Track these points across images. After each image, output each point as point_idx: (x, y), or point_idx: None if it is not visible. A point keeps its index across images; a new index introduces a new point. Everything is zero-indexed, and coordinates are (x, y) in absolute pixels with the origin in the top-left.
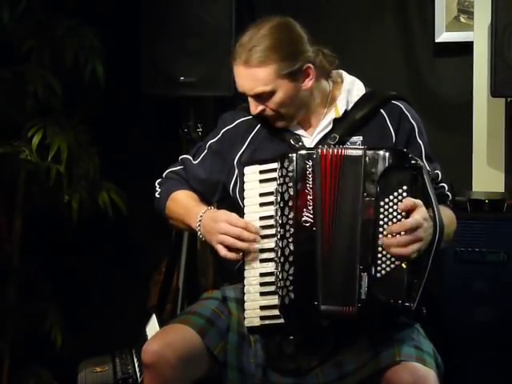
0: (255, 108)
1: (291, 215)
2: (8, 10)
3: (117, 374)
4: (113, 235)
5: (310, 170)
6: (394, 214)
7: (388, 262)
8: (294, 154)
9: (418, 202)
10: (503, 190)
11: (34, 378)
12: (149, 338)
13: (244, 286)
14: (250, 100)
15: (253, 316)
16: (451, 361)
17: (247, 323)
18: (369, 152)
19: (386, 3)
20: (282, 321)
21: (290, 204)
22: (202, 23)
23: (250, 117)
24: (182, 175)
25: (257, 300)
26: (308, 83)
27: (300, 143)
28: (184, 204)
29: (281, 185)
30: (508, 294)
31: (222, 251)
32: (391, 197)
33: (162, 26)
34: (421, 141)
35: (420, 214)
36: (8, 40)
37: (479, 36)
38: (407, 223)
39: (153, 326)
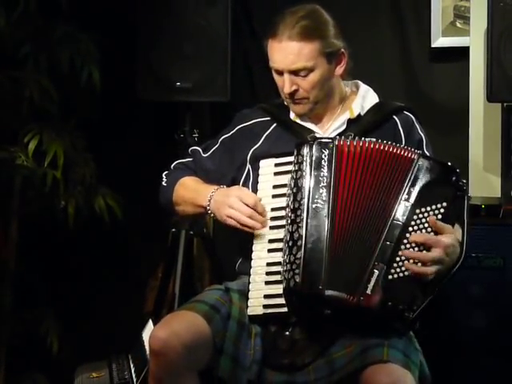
0: (290, 86)
1: (303, 201)
2: (4, 15)
3: (113, 379)
4: (109, 240)
5: (325, 158)
6: (426, 225)
7: (403, 268)
8: (311, 142)
9: (449, 227)
10: (499, 196)
11: (30, 383)
12: (145, 344)
13: (250, 275)
14: (286, 78)
15: (256, 305)
16: (447, 365)
17: (250, 311)
18: (422, 159)
19: (381, 8)
20: (284, 310)
21: (303, 190)
22: (198, 28)
23: (267, 118)
24: (189, 166)
25: (261, 289)
26: (339, 70)
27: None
28: (194, 187)
29: (295, 171)
30: (504, 299)
31: (233, 222)
32: (429, 208)
33: (158, 32)
34: (428, 152)
35: (450, 238)
36: (4, 45)
37: (475, 41)
38: (432, 239)
39: (149, 332)
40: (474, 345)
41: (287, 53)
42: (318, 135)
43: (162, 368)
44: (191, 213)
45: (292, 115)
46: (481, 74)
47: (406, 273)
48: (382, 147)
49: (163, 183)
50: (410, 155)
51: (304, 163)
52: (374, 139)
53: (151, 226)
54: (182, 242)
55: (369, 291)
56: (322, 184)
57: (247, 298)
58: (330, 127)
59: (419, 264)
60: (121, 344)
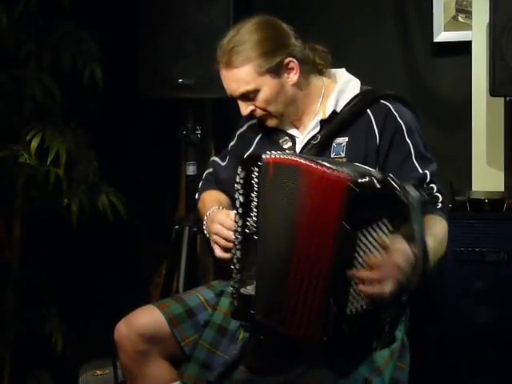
0: (245, 109)
1: (240, 223)
2: (5, 14)
3: (117, 376)
4: (113, 238)
5: (254, 176)
6: (371, 248)
7: (360, 299)
8: (245, 161)
9: (395, 240)
10: (503, 190)
11: (35, 381)
12: None
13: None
14: (239, 102)
15: None
16: (451, 361)
17: (236, 321)
18: (357, 172)
19: (384, 3)
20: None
21: (240, 211)
22: (200, 25)
23: (255, 121)
24: (213, 175)
25: None
26: (293, 77)
27: (289, 143)
28: (204, 204)
29: (235, 191)
30: (508, 294)
31: (217, 251)
32: (370, 229)
33: (160, 29)
34: (410, 140)
35: (400, 255)
36: (6, 44)
37: (478, 35)
38: (381, 260)
39: None
40: (479, 340)
41: (228, 80)
42: (296, 138)
43: (123, 356)
44: None
45: None
46: (483, 69)
47: (365, 302)
48: (306, 163)
49: (196, 196)
50: (339, 178)
51: (240, 184)
52: (346, 139)
53: (155, 223)
54: (185, 239)
55: (330, 332)
56: (253, 204)
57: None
58: (307, 129)
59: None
60: None
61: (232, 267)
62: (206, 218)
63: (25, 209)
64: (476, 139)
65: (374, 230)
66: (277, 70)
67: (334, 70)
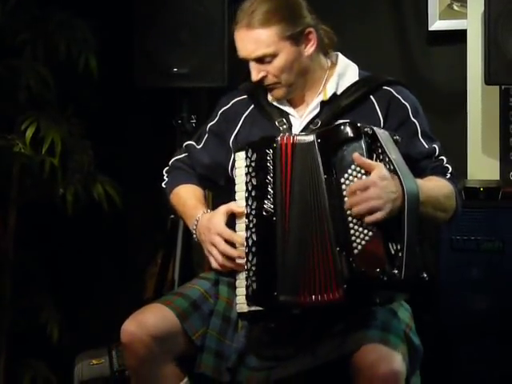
0: (257, 73)
1: (254, 205)
2: (0, 3)
3: (113, 366)
4: (108, 228)
5: (269, 159)
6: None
7: (362, 236)
8: (256, 144)
9: (372, 164)
10: (498, 178)
11: (30, 370)
12: None
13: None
14: (252, 65)
15: (242, 302)
16: (446, 349)
17: (238, 309)
18: (321, 133)
19: None
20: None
21: (253, 194)
22: (194, 14)
23: (245, 96)
24: (187, 163)
25: (245, 286)
26: (309, 49)
27: (285, 126)
28: (183, 202)
29: (246, 175)
30: (503, 282)
31: (213, 263)
32: (349, 170)
33: (154, 18)
34: (416, 120)
35: (376, 173)
36: (1, 33)
37: (473, 24)
38: (359, 182)
39: None
40: (474, 328)
41: (246, 41)
42: (292, 118)
43: (133, 359)
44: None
45: (270, 97)
46: (478, 57)
47: (367, 238)
48: (290, 140)
49: (163, 184)
50: (307, 139)
51: (251, 167)
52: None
53: (150, 212)
54: (180, 228)
55: (347, 275)
56: (269, 187)
57: (235, 295)
58: (306, 110)
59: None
60: (120, 331)
61: (246, 250)
62: (195, 222)
63: (20, 198)
64: (471, 128)
65: (354, 171)
66: (297, 38)
67: (333, 53)
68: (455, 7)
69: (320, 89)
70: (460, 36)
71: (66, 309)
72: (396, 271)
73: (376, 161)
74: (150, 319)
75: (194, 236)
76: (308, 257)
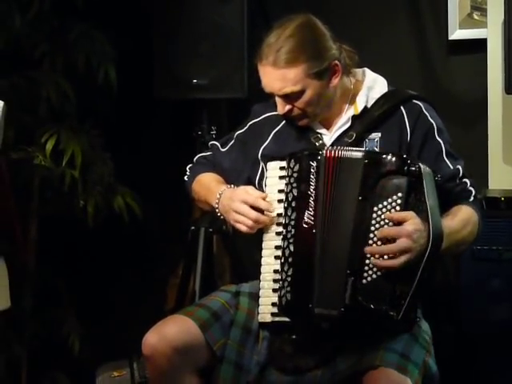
0: (283, 108)
1: (293, 216)
2: (20, 15)
3: (134, 378)
4: (129, 239)
5: (313, 171)
6: (386, 221)
7: (374, 269)
8: (300, 155)
9: (408, 214)
10: None
11: (51, 382)
12: None
13: (260, 281)
14: (278, 100)
15: (265, 312)
16: (468, 360)
17: (260, 319)
18: (370, 155)
19: (398, 2)
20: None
21: (293, 205)
22: (214, 25)
23: (277, 113)
24: (210, 160)
25: (269, 296)
26: (335, 81)
27: (320, 141)
28: (206, 185)
29: (286, 185)
30: None
31: (242, 227)
32: (385, 203)
33: (174, 29)
34: (440, 139)
35: (412, 225)
36: (20, 45)
37: (493, 33)
38: (394, 229)
39: None
40: (495, 338)
41: (273, 79)
42: (323, 136)
43: (155, 371)
44: (208, 209)
45: None
46: (499, 66)
47: (379, 273)
48: (337, 153)
49: (185, 177)
50: (354, 155)
51: (293, 177)
52: (379, 134)
53: (170, 224)
54: (201, 240)
55: (347, 301)
56: (311, 199)
57: (258, 305)
58: (336, 125)
59: (385, 257)
60: (141, 343)
61: (280, 262)
62: (218, 196)
63: (41, 211)
64: (492, 137)
65: (390, 204)
66: (324, 73)
67: (357, 69)
68: (475, 16)
69: (346, 106)
70: (480, 45)
71: (87, 321)
72: (393, 313)
73: (413, 201)
74: (172, 331)
75: (218, 212)
76: (344, 271)
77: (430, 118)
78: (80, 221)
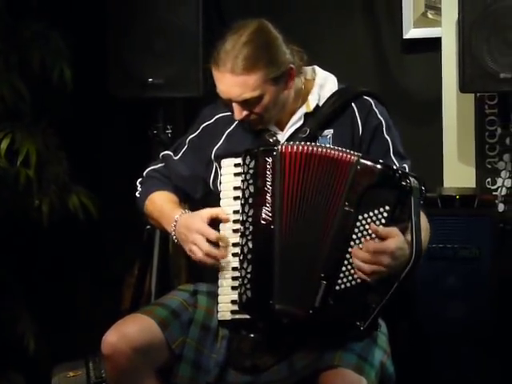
0: (240, 113)
1: (250, 212)
2: None
3: (90, 378)
4: (85, 238)
5: (269, 166)
6: (370, 231)
7: (350, 278)
8: (256, 151)
9: (393, 231)
10: (474, 186)
11: (7, 382)
12: None
13: (218, 279)
14: (235, 106)
15: (225, 310)
16: (425, 357)
17: (220, 317)
18: (362, 161)
19: (354, 0)
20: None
21: (250, 201)
22: (169, 24)
23: (229, 114)
24: (163, 173)
25: (229, 294)
26: (290, 83)
27: (274, 138)
28: (160, 206)
29: (243, 181)
30: (480, 290)
31: (195, 257)
32: (371, 213)
33: (128, 28)
34: (388, 137)
35: (395, 243)
36: None
37: (447, 32)
38: (379, 245)
39: None
40: (451, 335)
41: (231, 85)
42: (278, 135)
43: (114, 371)
44: (162, 230)
45: None
46: (453, 65)
47: (354, 282)
48: (320, 151)
49: (137, 194)
50: (347, 158)
51: (249, 174)
52: (331, 131)
53: (126, 223)
54: (157, 239)
55: (317, 304)
56: (268, 195)
57: (217, 303)
58: (288, 123)
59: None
60: (98, 342)
61: (239, 259)
62: (174, 222)
63: None
64: (447, 136)
65: (376, 216)
66: (281, 78)
67: (306, 68)
68: (429, 15)
69: (298, 104)
70: (435, 44)
71: (42, 320)
72: (359, 323)
73: (399, 215)
74: (132, 330)
75: (174, 238)
76: (307, 267)
77: (379, 114)
78: (35, 220)
